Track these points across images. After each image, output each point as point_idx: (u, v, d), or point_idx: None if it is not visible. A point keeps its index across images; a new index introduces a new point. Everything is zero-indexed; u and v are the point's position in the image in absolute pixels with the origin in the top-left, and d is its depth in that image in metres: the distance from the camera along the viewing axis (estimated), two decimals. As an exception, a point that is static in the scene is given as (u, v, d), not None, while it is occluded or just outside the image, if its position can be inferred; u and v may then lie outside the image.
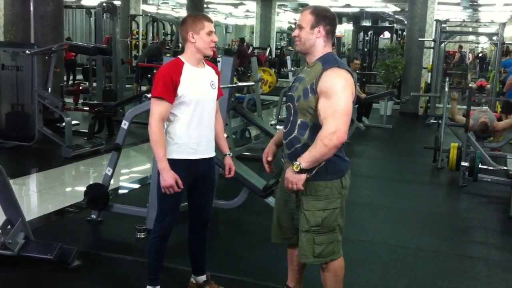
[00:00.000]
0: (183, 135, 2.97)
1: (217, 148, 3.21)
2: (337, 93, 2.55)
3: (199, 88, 2.97)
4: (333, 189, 2.73)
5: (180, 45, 17.14)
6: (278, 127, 3.15)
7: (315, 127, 2.63)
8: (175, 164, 2.93)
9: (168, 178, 2.86)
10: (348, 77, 2.62)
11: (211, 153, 3.12)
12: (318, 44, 2.71)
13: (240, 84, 5.95)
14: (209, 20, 2.98)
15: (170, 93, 2.87)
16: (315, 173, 2.66)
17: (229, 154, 3.24)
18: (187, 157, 2.98)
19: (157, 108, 2.88)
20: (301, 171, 2.56)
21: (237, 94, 9.58)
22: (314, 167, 2.62)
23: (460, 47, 18.44)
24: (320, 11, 2.72)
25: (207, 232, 3.29)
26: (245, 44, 18.55)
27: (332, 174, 2.72)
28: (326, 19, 2.70)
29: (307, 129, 2.69)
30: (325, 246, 2.76)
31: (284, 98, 4.14)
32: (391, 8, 20.62)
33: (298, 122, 2.71)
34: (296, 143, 2.73)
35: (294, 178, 2.59)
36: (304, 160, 2.56)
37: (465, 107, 7.07)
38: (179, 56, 3.01)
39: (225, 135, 5.83)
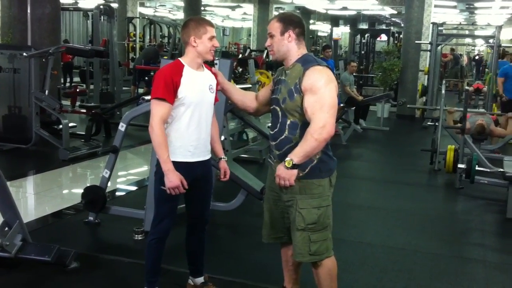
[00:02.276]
0: (181, 137, 2.97)
1: (212, 152, 3.21)
2: (322, 88, 2.64)
3: (198, 91, 2.97)
4: (325, 187, 2.80)
5: (177, 47, 17.16)
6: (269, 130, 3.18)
7: (305, 125, 2.69)
8: (175, 164, 2.93)
9: (174, 179, 2.86)
10: (329, 73, 2.72)
11: (207, 155, 3.13)
12: (291, 48, 2.80)
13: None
14: (211, 25, 3.00)
15: (171, 94, 2.87)
16: (309, 172, 2.73)
17: (223, 158, 3.25)
18: (185, 159, 2.99)
19: (158, 109, 2.88)
20: (294, 166, 2.62)
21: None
22: (305, 164, 2.68)
23: (452, 49, 18.49)
24: (286, 16, 2.84)
25: (205, 234, 3.29)
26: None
27: (324, 172, 2.78)
28: (293, 22, 2.80)
29: (297, 129, 2.74)
30: (320, 243, 2.79)
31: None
32: (388, 11, 20.66)
33: (288, 122, 2.76)
34: (287, 144, 2.77)
35: (286, 173, 2.64)
36: (296, 156, 2.62)
37: (462, 109, 7.09)
38: (179, 59, 3.01)
39: (223, 137, 5.85)
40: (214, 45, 2.97)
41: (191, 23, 2.99)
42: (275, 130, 2.83)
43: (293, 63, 2.78)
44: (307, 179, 2.73)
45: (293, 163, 2.61)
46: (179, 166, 2.95)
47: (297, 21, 2.82)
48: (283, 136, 2.78)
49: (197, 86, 2.97)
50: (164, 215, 3.06)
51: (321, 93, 2.63)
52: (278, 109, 2.81)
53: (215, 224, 4.72)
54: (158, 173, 3.01)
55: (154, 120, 2.87)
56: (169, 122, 2.96)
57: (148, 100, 4.07)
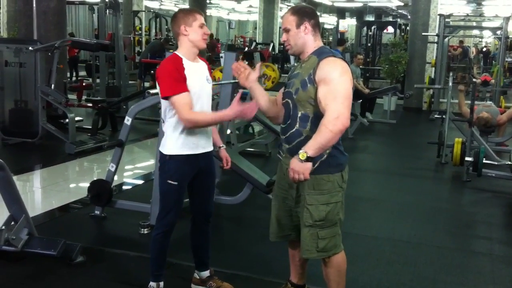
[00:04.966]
0: (186, 130, 2.96)
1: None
2: (336, 78, 2.59)
3: (198, 82, 2.98)
4: (335, 183, 2.74)
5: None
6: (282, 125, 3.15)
7: (316, 118, 2.64)
8: (179, 159, 2.95)
9: (233, 109, 2.86)
10: (344, 64, 2.67)
11: (210, 147, 3.13)
12: (308, 40, 2.75)
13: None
14: (200, 13, 3.00)
15: (183, 84, 2.87)
16: (317, 167, 2.66)
17: (223, 146, 3.26)
18: (190, 152, 2.99)
19: (182, 101, 2.85)
20: (308, 159, 2.53)
21: (242, 90, 9.61)
22: (315, 159, 2.60)
23: (461, 41, 18.38)
24: (300, 9, 2.78)
25: (210, 227, 3.29)
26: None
27: (334, 168, 2.73)
28: (308, 14, 2.75)
29: (308, 121, 2.69)
30: (328, 240, 2.77)
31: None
32: (394, 3, 20.56)
33: (299, 115, 2.72)
34: (298, 137, 2.72)
35: (300, 167, 2.54)
36: (311, 148, 2.53)
37: (469, 102, 7.05)
38: (175, 52, 2.99)
39: (229, 130, 5.84)
40: (206, 33, 2.96)
41: (180, 14, 2.99)
42: (286, 123, 2.80)
43: (309, 56, 2.74)
44: (316, 174, 2.67)
45: (307, 155, 2.52)
46: (185, 159, 2.97)
47: (311, 13, 2.77)
48: (293, 129, 2.74)
49: (197, 78, 2.98)
50: (170, 209, 3.06)
51: (334, 83, 2.58)
52: (290, 101, 2.76)
53: (220, 217, 4.72)
54: (163, 167, 3.02)
55: (184, 113, 2.84)
56: (174, 115, 2.95)
57: (155, 94, 4.08)
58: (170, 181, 2.99)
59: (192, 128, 2.92)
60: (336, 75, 2.60)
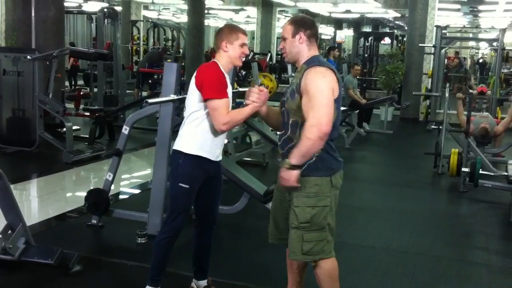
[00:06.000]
0: (211, 136, 3.04)
1: None
2: (315, 87, 2.67)
3: (229, 94, 3.06)
4: (323, 187, 2.77)
5: (180, 50, 17.14)
6: (278, 132, 3.12)
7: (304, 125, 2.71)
8: (196, 160, 3.01)
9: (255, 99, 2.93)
10: (327, 73, 2.72)
11: (221, 156, 3.21)
12: (302, 49, 2.83)
13: (241, 89, 5.97)
14: (244, 33, 3.10)
15: (226, 90, 2.99)
16: (306, 169, 2.72)
17: None
18: (208, 156, 3.06)
19: (222, 106, 2.94)
20: (292, 167, 2.65)
21: (237, 100, 9.61)
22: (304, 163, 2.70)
23: (457, 52, 18.47)
24: (298, 19, 2.89)
25: (213, 233, 3.33)
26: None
27: (322, 171, 2.77)
28: (304, 25, 2.84)
29: (297, 128, 2.76)
30: (314, 244, 2.78)
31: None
32: (391, 14, 20.63)
33: (290, 122, 2.81)
34: (289, 143, 2.80)
35: (285, 174, 2.67)
36: (294, 157, 2.65)
37: (466, 112, 7.08)
38: (215, 61, 3.06)
39: (226, 140, 5.85)
40: (244, 52, 3.06)
41: (225, 29, 3.09)
42: (282, 131, 2.89)
43: (301, 65, 2.83)
44: (303, 176, 2.72)
45: (291, 164, 2.64)
46: (202, 161, 3.04)
47: (309, 24, 2.85)
48: (286, 136, 2.83)
49: (229, 90, 3.08)
50: (181, 210, 3.11)
51: (314, 92, 2.66)
52: (284, 110, 2.86)
53: (218, 226, 4.68)
54: (176, 171, 3.08)
55: (221, 118, 2.94)
56: (205, 117, 3.00)
57: (152, 103, 4.11)
58: (182, 185, 3.04)
59: (226, 130, 3.02)
60: (316, 85, 2.67)
